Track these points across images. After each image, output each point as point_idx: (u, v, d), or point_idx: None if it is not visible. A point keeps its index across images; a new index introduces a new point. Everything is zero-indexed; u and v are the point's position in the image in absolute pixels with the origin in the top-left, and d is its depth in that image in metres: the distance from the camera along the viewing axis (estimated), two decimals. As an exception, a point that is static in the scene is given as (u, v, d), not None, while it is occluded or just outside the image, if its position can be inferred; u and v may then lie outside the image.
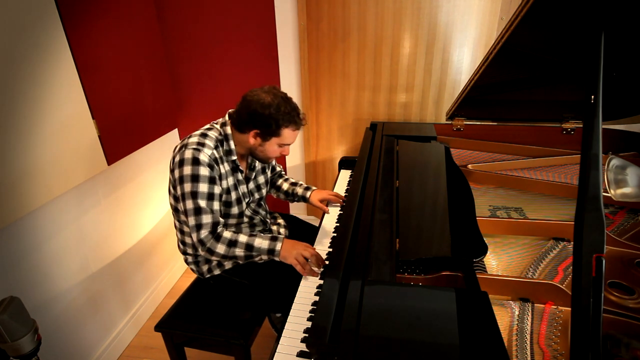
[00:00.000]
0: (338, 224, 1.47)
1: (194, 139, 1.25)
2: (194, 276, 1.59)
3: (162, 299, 2.24)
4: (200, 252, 1.26)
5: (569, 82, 1.27)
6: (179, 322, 1.38)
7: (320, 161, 2.37)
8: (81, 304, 1.65)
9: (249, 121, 1.25)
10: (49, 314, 1.48)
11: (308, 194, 1.61)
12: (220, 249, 1.23)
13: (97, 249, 1.72)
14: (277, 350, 0.90)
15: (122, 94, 1.76)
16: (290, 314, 1.02)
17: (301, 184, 1.66)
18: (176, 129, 2.36)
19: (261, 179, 1.49)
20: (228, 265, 1.45)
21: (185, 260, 1.49)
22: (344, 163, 2.00)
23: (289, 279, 1.21)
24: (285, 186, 1.66)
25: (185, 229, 1.40)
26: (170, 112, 2.21)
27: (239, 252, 1.25)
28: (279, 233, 1.60)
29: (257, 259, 1.28)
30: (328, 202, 1.62)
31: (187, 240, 1.42)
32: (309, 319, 1.00)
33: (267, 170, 1.53)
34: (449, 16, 1.84)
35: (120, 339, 1.88)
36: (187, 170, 1.21)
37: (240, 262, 1.31)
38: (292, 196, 1.65)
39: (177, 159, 1.24)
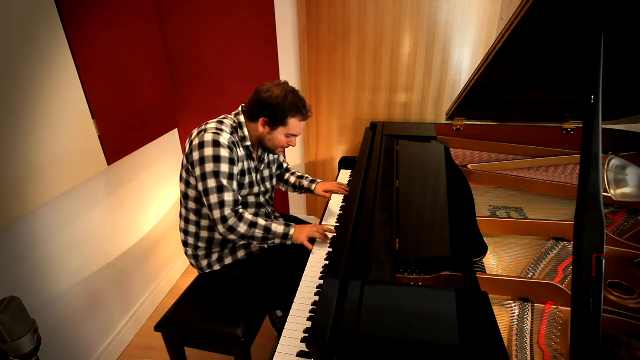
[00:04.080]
0: (338, 224, 1.47)
1: (212, 125, 1.31)
2: (194, 276, 1.59)
3: (162, 298, 2.24)
4: (221, 229, 1.30)
5: (569, 82, 1.27)
6: (179, 322, 1.38)
7: (320, 161, 2.37)
8: (81, 304, 1.65)
9: (258, 109, 1.33)
10: (49, 314, 1.48)
11: (313, 186, 1.67)
12: (242, 228, 1.30)
13: (97, 249, 1.72)
14: (277, 350, 0.90)
15: (122, 94, 1.76)
16: (290, 313, 1.02)
17: (307, 177, 1.72)
18: (176, 129, 2.36)
19: (266, 172, 1.53)
20: (228, 260, 1.45)
21: (185, 253, 1.50)
22: (344, 163, 2.00)
23: (288, 275, 1.22)
24: (292, 179, 1.72)
25: (191, 217, 1.41)
26: (170, 112, 2.21)
27: (258, 233, 1.32)
28: None
29: (270, 242, 1.36)
30: (332, 193, 1.67)
31: (191, 229, 1.43)
32: (309, 319, 1.00)
33: (272, 165, 1.57)
34: (449, 16, 1.84)
35: (120, 339, 1.88)
36: (209, 151, 1.25)
37: (256, 242, 1.37)
38: (299, 188, 1.71)
39: (195, 142, 1.28)
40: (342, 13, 1.93)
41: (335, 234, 1.36)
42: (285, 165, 1.74)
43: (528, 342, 0.85)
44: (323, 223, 1.51)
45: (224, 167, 1.27)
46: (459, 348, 0.69)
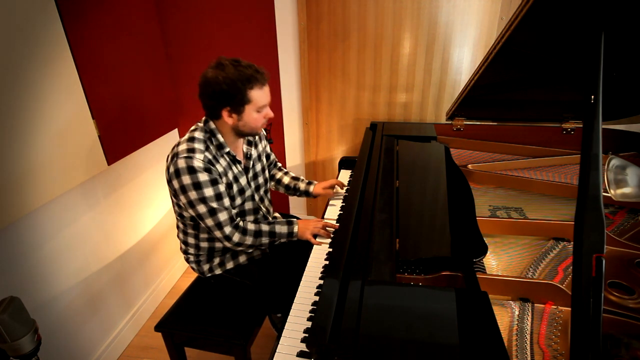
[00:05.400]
0: (338, 224, 1.47)
1: (183, 147, 1.24)
2: (194, 276, 1.59)
3: (162, 299, 2.24)
4: (228, 245, 1.30)
5: (569, 82, 1.27)
6: (179, 322, 1.38)
7: (320, 161, 2.37)
8: (81, 304, 1.65)
9: (214, 104, 1.23)
10: (49, 314, 1.48)
11: (311, 188, 1.64)
12: (249, 240, 1.33)
13: (97, 249, 1.72)
14: (277, 350, 0.90)
15: (122, 94, 1.76)
16: (290, 314, 1.02)
17: (303, 179, 1.68)
18: (176, 129, 2.36)
19: (258, 167, 1.49)
20: (229, 264, 1.45)
21: (187, 260, 1.50)
22: (344, 163, 2.00)
23: (290, 279, 1.21)
24: (286, 180, 1.68)
25: (189, 230, 1.41)
26: (170, 112, 2.21)
27: (264, 240, 1.36)
28: None
29: (276, 243, 1.40)
30: (329, 198, 1.65)
31: (190, 241, 1.43)
32: (309, 319, 1.00)
33: (262, 158, 1.52)
34: (449, 16, 1.84)
35: (120, 339, 1.88)
36: (186, 179, 1.20)
37: (263, 247, 1.42)
38: (293, 190, 1.66)
39: (171, 169, 1.23)
40: (342, 13, 1.93)
41: (337, 228, 1.34)
42: (272, 158, 1.65)
43: (528, 342, 0.85)
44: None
45: (208, 192, 1.22)
46: (459, 348, 0.69)
